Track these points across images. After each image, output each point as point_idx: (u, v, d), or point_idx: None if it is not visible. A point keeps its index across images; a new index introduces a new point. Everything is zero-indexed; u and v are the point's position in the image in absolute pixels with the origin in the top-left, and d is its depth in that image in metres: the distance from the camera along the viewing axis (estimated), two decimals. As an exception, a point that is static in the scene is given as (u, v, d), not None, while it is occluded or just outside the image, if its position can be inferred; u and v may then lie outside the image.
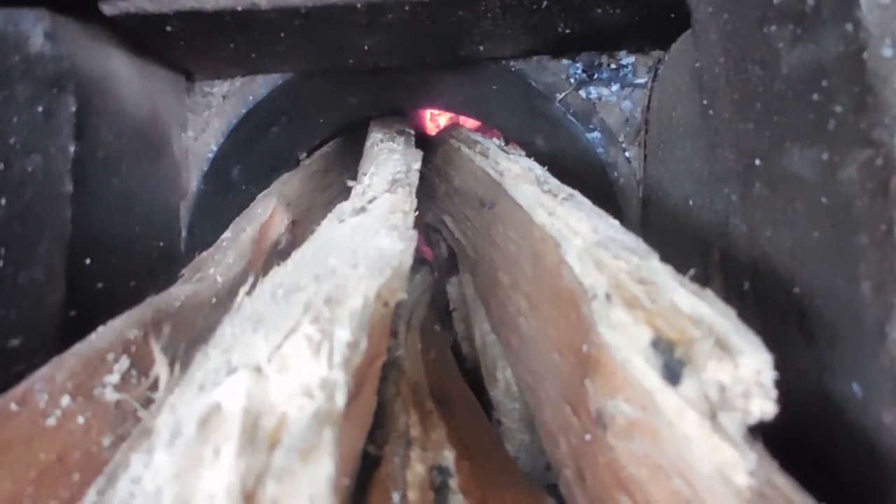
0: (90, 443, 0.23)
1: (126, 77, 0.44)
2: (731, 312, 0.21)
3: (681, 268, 0.25)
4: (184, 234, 0.50)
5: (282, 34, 0.45)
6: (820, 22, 0.24)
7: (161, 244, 0.46)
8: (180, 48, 0.47)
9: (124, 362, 0.30)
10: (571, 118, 0.52)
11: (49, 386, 0.24)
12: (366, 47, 0.49)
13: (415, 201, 0.43)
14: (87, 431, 0.24)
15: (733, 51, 0.31)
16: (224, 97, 0.53)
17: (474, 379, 0.54)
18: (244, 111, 0.55)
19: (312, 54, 0.51)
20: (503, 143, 0.58)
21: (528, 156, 0.51)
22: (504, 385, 0.49)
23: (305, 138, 0.65)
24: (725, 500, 0.18)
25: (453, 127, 0.76)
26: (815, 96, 0.25)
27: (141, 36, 0.44)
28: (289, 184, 0.57)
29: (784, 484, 0.19)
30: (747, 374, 0.19)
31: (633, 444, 0.21)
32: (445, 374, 0.45)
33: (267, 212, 0.52)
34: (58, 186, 0.33)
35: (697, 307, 0.22)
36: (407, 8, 0.41)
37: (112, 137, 0.41)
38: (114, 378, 0.29)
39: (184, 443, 0.18)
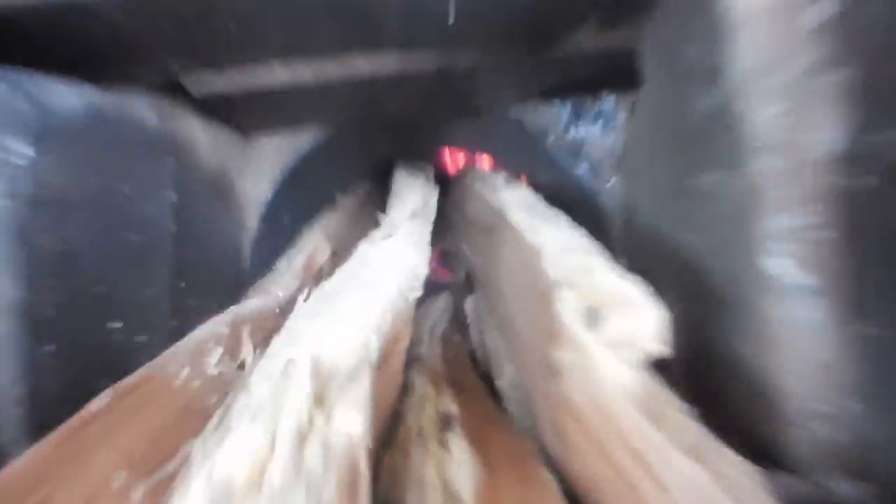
0: (203, 399, 0.33)
1: (201, 139, 0.56)
2: (642, 287, 0.29)
3: (647, 272, 0.34)
4: (248, 263, 0.61)
5: (320, 98, 0.57)
6: (708, 81, 0.33)
7: (233, 271, 0.57)
8: (242, 114, 0.59)
9: (219, 349, 0.40)
10: (563, 154, 0.62)
11: (172, 362, 0.35)
12: (386, 105, 0.60)
13: (430, 227, 0.53)
14: (200, 391, 0.34)
15: (666, 97, 0.41)
16: (275, 150, 0.65)
17: (487, 380, 0.63)
18: (292, 162, 0.67)
19: (347, 112, 0.63)
20: (509, 177, 0.68)
21: (532, 187, 0.61)
22: (509, 377, 0.57)
23: (342, 181, 0.77)
24: (626, 406, 0.26)
25: (469, 168, 0.87)
26: (711, 133, 0.34)
27: (214, 108, 0.56)
28: (330, 220, 0.68)
29: (668, 395, 0.27)
30: (647, 326, 0.28)
31: (574, 380, 0.30)
32: (461, 370, 0.54)
33: (312, 244, 0.63)
34: (166, 227, 0.44)
35: (620, 285, 0.30)
36: (416, 76, 0.52)
37: (196, 187, 0.52)
38: (213, 359, 0.39)
39: (273, 380, 0.27)
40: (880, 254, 0.27)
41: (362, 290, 0.35)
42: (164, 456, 0.30)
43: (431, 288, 0.71)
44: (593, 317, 0.30)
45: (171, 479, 0.27)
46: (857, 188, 0.27)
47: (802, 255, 0.29)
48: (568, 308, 0.31)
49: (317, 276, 0.63)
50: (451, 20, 0.38)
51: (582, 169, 0.60)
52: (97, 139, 0.38)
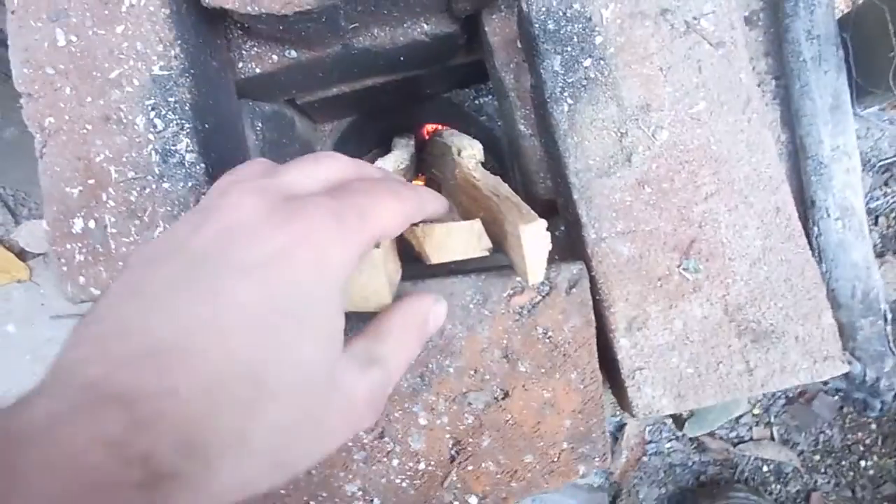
0: None
1: (299, 123, 1.16)
2: (475, 140, 0.88)
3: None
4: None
5: (351, 100, 1.17)
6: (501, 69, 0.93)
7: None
8: (314, 111, 1.19)
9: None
10: (474, 112, 1.21)
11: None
12: (383, 99, 1.20)
13: (412, 150, 1.13)
14: None
15: (491, 76, 1.00)
16: (329, 130, 1.25)
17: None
18: (337, 136, 1.27)
19: (362, 106, 1.23)
20: (452, 130, 1.28)
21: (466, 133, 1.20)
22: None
23: (363, 148, 1.37)
24: (471, 174, 0.86)
25: (435, 131, 1.47)
26: (500, 88, 0.93)
27: (304, 108, 1.16)
28: (360, 164, 1.29)
29: (483, 169, 0.87)
30: (476, 150, 0.86)
31: (458, 176, 0.89)
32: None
33: (355, 174, 1.23)
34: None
35: (467, 141, 0.89)
36: (394, 83, 1.12)
37: (300, 145, 1.13)
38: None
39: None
40: (538, 113, 0.86)
41: (386, 159, 0.94)
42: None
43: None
44: (460, 153, 0.88)
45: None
46: (532, 98, 0.86)
47: (527, 123, 0.88)
48: (454, 153, 0.89)
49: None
50: (401, 59, 0.97)
51: (484, 118, 1.20)
52: (275, 120, 0.98)
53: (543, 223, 0.61)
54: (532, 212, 0.63)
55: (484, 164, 0.87)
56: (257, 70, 0.88)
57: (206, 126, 0.75)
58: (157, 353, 0.24)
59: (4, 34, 1.04)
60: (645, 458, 1.86)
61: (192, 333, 0.25)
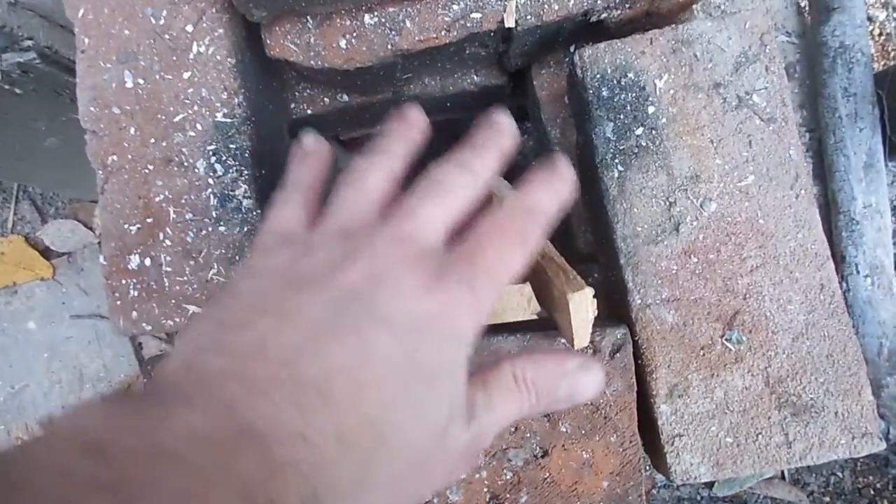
0: None
1: (340, 155, 1.17)
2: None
3: None
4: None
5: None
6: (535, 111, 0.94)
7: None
8: (355, 146, 1.22)
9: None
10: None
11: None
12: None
13: None
14: None
15: (532, 125, 1.02)
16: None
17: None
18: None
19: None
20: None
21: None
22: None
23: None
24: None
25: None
26: (543, 138, 0.95)
27: (344, 143, 1.18)
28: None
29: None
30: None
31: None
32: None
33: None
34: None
35: (508, 190, 0.91)
36: (436, 122, 1.14)
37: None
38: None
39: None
40: (585, 172, 0.87)
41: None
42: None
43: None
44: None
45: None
46: (578, 156, 0.87)
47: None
48: (494, 201, 0.91)
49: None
50: (448, 105, 0.99)
51: (519, 157, 1.22)
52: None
53: (590, 291, 0.62)
54: (578, 278, 0.65)
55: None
56: (309, 111, 0.90)
57: (263, 172, 0.77)
58: (297, 391, 0.24)
59: (59, 56, 1.07)
60: (654, 491, 1.87)
61: (332, 379, 0.25)
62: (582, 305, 0.56)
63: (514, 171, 1.26)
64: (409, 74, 0.85)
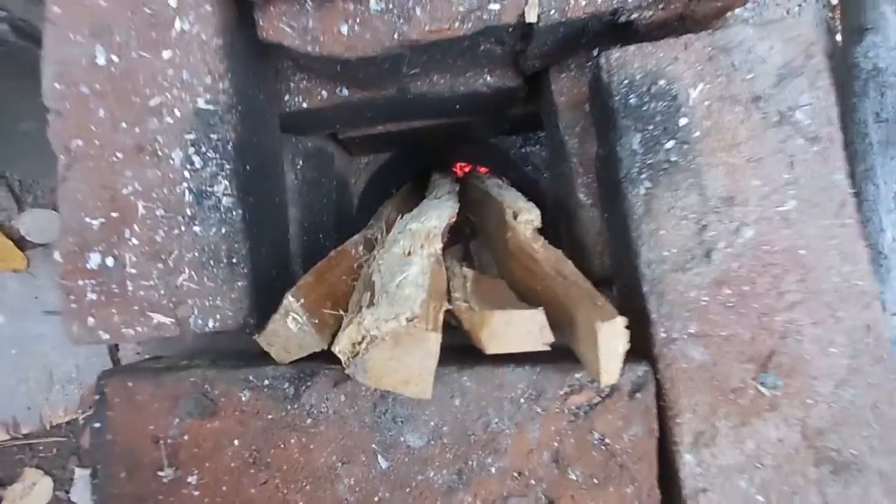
0: (359, 258, 0.85)
1: (338, 157, 1.09)
2: (532, 204, 0.82)
3: (556, 212, 0.86)
4: (354, 220, 1.15)
5: (394, 138, 1.10)
6: (554, 126, 0.87)
7: (348, 223, 1.11)
8: (355, 145, 1.13)
9: (360, 246, 0.93)
10: (519, 161, 1.15)
11: (348, 246, 0.87)
12: (425, 140, 1.14)
13: (457, 198, 1.06)
14: (360, 256, 0.86)
15: (547, 135, 0.94)
16: (366, 164, 1.19)
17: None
18: (373, 171, 1.20)
19: (404, 145, 1.16)
20: (490, 175, 1.21)
21: (502, 179, 1.14)
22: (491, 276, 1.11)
23: (398, 182, 1.31)
24: (528, 243, 0.79)
25: (471, 173, 1.41)
26: (558, 148, 0.87)
27: (344, 142, 1.10)
28: (394, 201, 1.22)
29: (540, 237, 0.80)
30: (534, 216, 0.80)
31: (511, 243, 0.82)
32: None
33: (387, 212, 1.16)
34: (333, 196, 0.97)
35: (525, 204, 0.83)
36: (442, 126, 1.06)
37: (337, 181, 1.06)
38: (360, 249, 0.91)
39: (406, 235, 0.79)
40: (606, 187, 0.79)
41: (433, 209, 0.87)
42: (360, 267, 0.82)
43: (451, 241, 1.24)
44: (515, 215, 0.82)
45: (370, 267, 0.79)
46: (598, 169, 0.80)
47: (588, 192, 0.82)
48: (508, 215, 0.83)
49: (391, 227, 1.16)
50: (456, 107, 0.91)
51: (529, 168, 1.14)
52: (316, 157, 0.92)
53: (622, 321, 0.54)
54: (608, 304, 0.57)
55: (541, 231, 0.81)
56: (304, 105, 0.82)
57: (247, 168, 0.68)
58: None
59: (35, 30, 0.98)
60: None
61: None
62: (612, 337, 0.48)
63: (528, 185, 1.17)
64: (417, 70, 0.77)
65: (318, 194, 0.91)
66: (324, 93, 0.80)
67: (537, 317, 0.57)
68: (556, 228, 0.97)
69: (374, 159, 1.18)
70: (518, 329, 0.57)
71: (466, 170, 1.43)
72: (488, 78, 0.81)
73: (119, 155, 0.66)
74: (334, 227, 0.98)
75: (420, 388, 0.53)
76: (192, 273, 0.64)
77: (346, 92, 0.80)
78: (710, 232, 0.64)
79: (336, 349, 0.52)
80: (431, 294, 0.62)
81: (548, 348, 0.57)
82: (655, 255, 0.64)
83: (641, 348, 0.65)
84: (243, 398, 0.62)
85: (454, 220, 0.91)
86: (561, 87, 0.81)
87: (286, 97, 0.79)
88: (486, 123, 1.04)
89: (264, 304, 0.66)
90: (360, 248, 0.89)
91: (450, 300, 0.69)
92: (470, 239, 1.28)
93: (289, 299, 0.63)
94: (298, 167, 0.84)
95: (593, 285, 0.65)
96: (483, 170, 1.34)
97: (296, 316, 0.63)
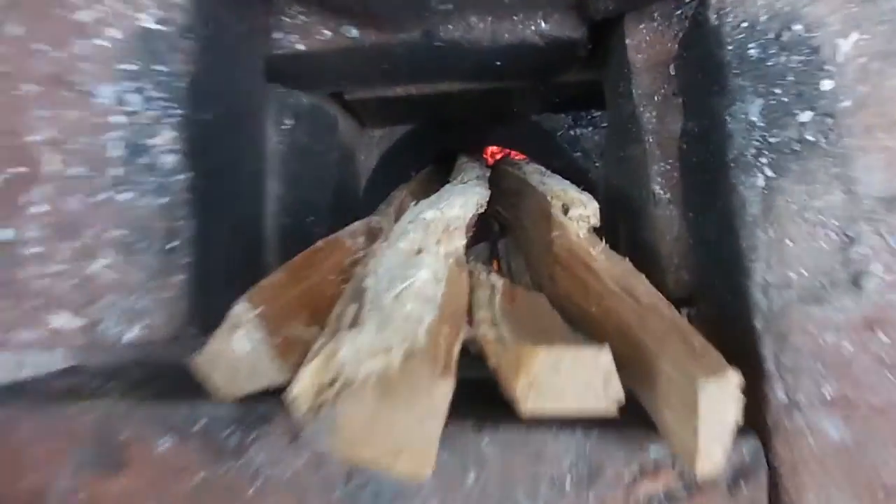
0: (359, 252, 0.66)
1: (343, 125, 0.90)
2: (588, 195, 0.61)
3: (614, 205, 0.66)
4: (361, 205, 0.96)
5: (415, 106, 0.90)
6: (626, 99, 0.66)
7: (352, 207, 0.92)
8: (366, 111, 0.94)
9: (362, 237, 0.73)
10: (566, 145, 0.94)
11: (342, 236, 0.68)
12: (454, 110, 0.93)
13: (487, 186, 0.86)
14: (358, 249, 0.66)
15: (613, 109, 0.73)
16: (379, 138, 1.00)
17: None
18: (387, 147, 1.01)
19: (426, 115, 0.97)
20: (528, 161, 1.01)
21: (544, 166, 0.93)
22: (523, 285, 0.90)
23: (417, 163, 1.11)
24: (581, 247, 0.58)
25: (504, 158, 1.20)
26: (628, 126, 0.66)
27: (352, 107, 0.91)
28: (409, 186, 1.02)
29: (598, 240, 0.59)
30: (591, 210, 0.59)
31: (558, 244, 0.62)
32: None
33: (401, 196, 0.97)
34: (331, 170, 0.78)
35: (578, 195, 0.62)
36: (476, 93, 0.85)
37: (340, 153, 0.87)
38: (360, 239, 0.72)
39: (418, 224, 0.60)
40: (697, 176, 0.59)
41: (456, 195, 0.67)
42: (354, 264, 0.63)
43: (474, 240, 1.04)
44: (566, 209, 0.61)
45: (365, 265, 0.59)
46: (685, 151, 0.59)
47: (665, 183, 0.61)
48: (555, 208, 0.63)
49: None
50: (497, 64, 0.71)
51: (578, 154, 0.93)
52: (312, 119, 0.73)
53: (735, 377, 0.35)
54: (713, 352, 0.37)
55: (598, 231, 0.60)
56: (300, 47, 0.63)
57: (206, 117, 0.49)
58: None
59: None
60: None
61: None
62: (720, 403, 0.36)
63: (576, 175, 0.96)
64: (450, 5, 0.57)
65: (311, 165, 0.72)
66: (326, 31, 0.61)
67: (602, 359, 0.38)
68: (614, 228, 0.77)
69: (390, 133, 0.99)
70: (572, 377, 0.37)
71: (499, 156, 1.23)
72: (542, 24, 0.61)
73: (30, 87, 0.48)
74: (331, 210, 0.79)
75: (416, 465, 0.33)
76: (113, 258, 0.46)
77: (355, 32, 0.60)
78: (860, 247, 0.43)
79: (290, 394, 0.33)
80: (444, 313, 0.42)
81: (613, 410, 0.37)
82: (776, 276, 0.44)
83: (746, 414, 0.44)
84: (163, 447, 0.43)
85: (483, 209, 0.71)
86: (639, 41, 0.60)
87: (276, 35, 0.60)
88: (532, 92, 0.83)
89: (215, 308, 0.47)
90: (361, 238, 0.69)
91: (471, 320, 0.49)
92: (498, 237, 1.07)
93: (240, 306, 0.44)
94: (286, 128, 0.65)
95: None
96: (519, 156, 1.13)
97: (249, 331, 0.44)
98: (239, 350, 0.46)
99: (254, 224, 0.60)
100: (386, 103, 0.85)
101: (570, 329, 0.49)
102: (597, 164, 0.91)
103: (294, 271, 0.54)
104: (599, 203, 0.65)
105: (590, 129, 0.93)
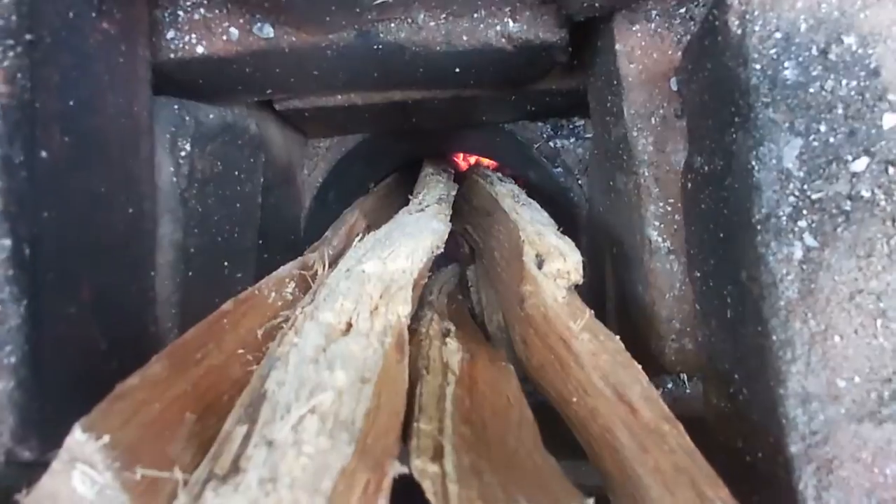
0: (286, 308, 0.53)
1: (277, 140, 0.76)
2: (570, 242, 0.49)
3: (595, 240, 0.53)
4: (303, 231, 0.81)
5: (366, 115, 0.76)
6: (616, 119, 0.53)
7: (293, 236, 0.77)
8: (306, 123, 0.79)
9: (292, 284, 0.60)
10: (545, 159, 0.81)
11: (265, 288, 0.54)
12: (413, 119, 0.79)
13: (450, 210, 0.73)
14: (284, 305, 0.53)
15: (599, 127, 0.60)
16: (326, 149, 0.86)
17: (481, 327, 0.83)
18: (338, 157, 0.87)
19: (381, 124, 0.82)
20: (503, 175, 0.87)
21: (520, 184, 0.80)
22: (496, 323, 0.78)
23: (375, 173, 0.97)
24: (559, 312, 0.46)
25: (475, 166, 1.07)
26: (618, 152, 0.54)
27: (287, 117, 0.76)
28: (365, 202, 0.88)
29: (582, 304, 0.47)
30: (571, 265, 0.47)
31: (531, 303, 0.49)
32: (460, 315, 0.74)
33: (353, 219, 0.83)
34: (256, 200, 0.64)
35: (557, 241, 0.50)
36: (435, 101, 0.71)
37: (273, 174, 0.73)
38: (290, 288, 0.58)
39: (353, 280, 0.47)
40: (706, 227, 0.46)
41: (406, 238, 0.54)
42: (272, 333, 0.50)
43: (442, 260, 0.91)
44: (540, 261, 0.49)
45: (280, 343, 0.46)
46: (691, 192, 0.46)
47: (665, 229, 0.49)
48: (527, 256, 0.50)
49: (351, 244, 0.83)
50: (456, 72, 0.57)
51: (559, 170, 0.80)
52: (223, 139, 0.59)
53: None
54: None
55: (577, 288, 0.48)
56: (200, 50, 0.49)
57: (44, 153, 0.35)
58: None
59: None
60: None
61: None
62: None
63: (556, 193, 0.83)
64: (387, -1, 0.43)
65: (224, 198, 0.58)
66: (233, 30, 0.47)
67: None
68: (599, 265, 0.64)
69: (341, 142, 0.85)
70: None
71: (470, 161, 1.09)
72: (510, 24, 0.47)
73: None
74: (257, 249, 0.65)
75: None
76: None
77: (269, 31, 0.46)
78: (933, 348, 0.31)
79: None
80: (364, 449, 0.30)
81: None
82: (819, 384, 0.32)
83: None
84: None
85: (440, 249, 0.58)
86: (630, 45, 0.48)
87: (168, 34, 0.46)
88: (501, 101, 0.70)
89: (64, 419, 0.34)
90: (290, 287, 0.56)
91: (406, 436, 0.36)
92: (469, 261, 0.95)
93: (77, 434, 0.31)
94: (183, 154, 0.50)
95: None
96: (491, 164, 1.00)
97: (91, 470, 0.31)
98: (83, 492, 0.33)
99: (131, 289, 0.46)
100: (329, 112, 0.71)
101: (542, 455, 0.36)
102: (580, 182, 0.79)
103: (181, 356, 0.41)
104: (579, 235, 0.53)
105: (572, 140, 0.80)
